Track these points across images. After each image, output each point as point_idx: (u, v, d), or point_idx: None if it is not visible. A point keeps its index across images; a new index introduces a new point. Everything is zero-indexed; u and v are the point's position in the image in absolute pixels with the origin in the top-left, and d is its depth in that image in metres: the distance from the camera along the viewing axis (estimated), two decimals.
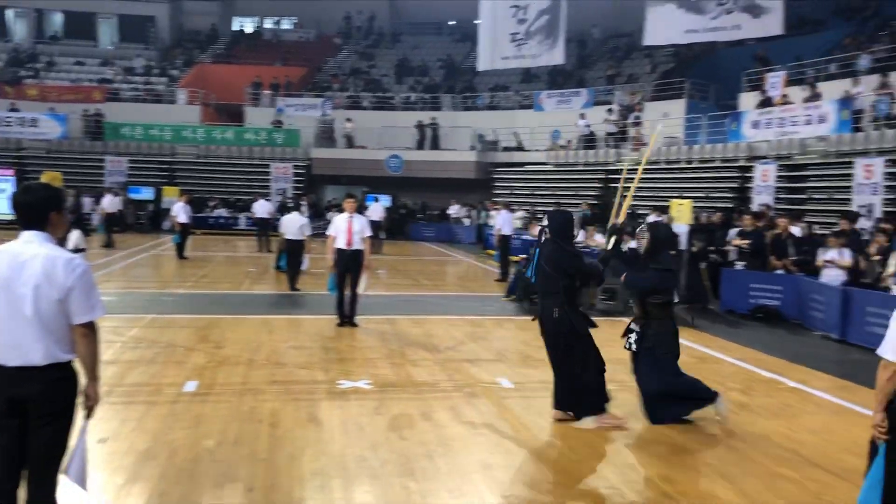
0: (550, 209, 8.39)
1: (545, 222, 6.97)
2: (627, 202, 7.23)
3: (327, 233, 11.10)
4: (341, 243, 10.75)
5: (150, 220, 29.64)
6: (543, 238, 6.91)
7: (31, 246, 3.65)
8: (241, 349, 9.17)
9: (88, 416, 3.82)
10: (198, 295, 13.82)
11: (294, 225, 14.40)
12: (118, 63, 39.52)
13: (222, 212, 30.32)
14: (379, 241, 21.62)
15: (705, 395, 6.85)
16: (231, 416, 6.51)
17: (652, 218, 15.12)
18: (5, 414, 3.58)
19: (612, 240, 6.96)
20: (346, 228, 10.74)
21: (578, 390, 6.64)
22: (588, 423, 6.58)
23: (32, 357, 3.58)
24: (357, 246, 10.79)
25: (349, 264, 10.79)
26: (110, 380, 7.54)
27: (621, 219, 7.12)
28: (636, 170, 8.06)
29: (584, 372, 6.63)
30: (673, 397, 6.77)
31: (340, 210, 11.80)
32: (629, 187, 7.72)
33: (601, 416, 6.64)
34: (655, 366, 6.77)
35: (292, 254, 14.47)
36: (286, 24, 45.45)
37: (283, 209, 23.10)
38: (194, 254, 20.51)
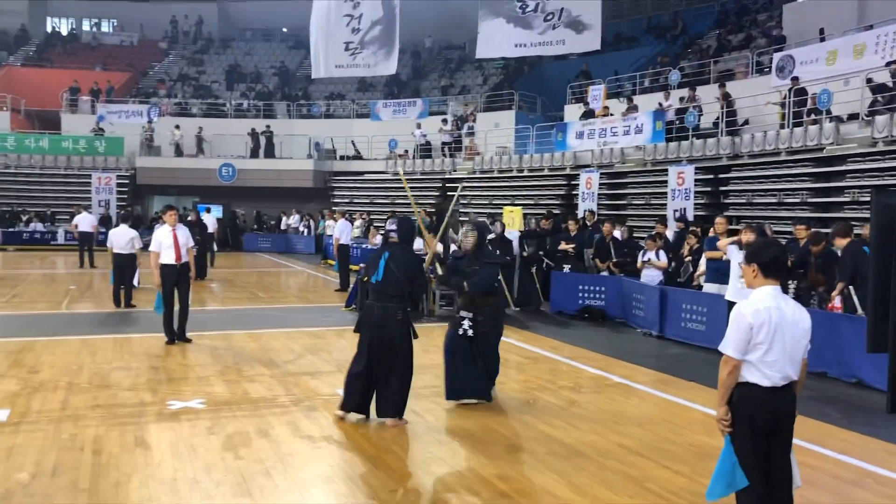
0: (397, 215, 8.66)
1: (392, 227, 7.06)
2: (444, 227, 7.94)
3: (150, 248, 10.44)
4: (169, 258, 10.25)
5: None
6: (390, 243, 7.04)
7: None
8: (59, 373, 8.53)
9: None
10: (9, 316, 12.74)
11: (123, 238, 13.62)
12: None
13: (38, 226, 28.13)
14: (212, 253, 20.87)
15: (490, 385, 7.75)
16: (48, 446, 6.03)
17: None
18: None
19: (438, 266, 7.63)
20: (173, 242, 10.24)
21: (403, 393, 6.84)
22: (393, 422, 6.81)
23: None
24: (185, 259, 10.38)
25: (178, 279, 10.34)
26: None
27: (440, 247, 7.73)
28: (451, 197, 8.67)
29: (410, 374, 6.88)
30: (488, 374, 7.63)
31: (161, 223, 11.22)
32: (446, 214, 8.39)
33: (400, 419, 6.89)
34: (488, 345, 7.56)
35: (122, 269, 13.66)
36: (106, 27, 42.96)
37: (107, 221, 21.83)
38: (5, 272, 18.91)
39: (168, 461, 5.77)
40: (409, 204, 26.92)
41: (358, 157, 31.50)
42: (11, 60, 37.26)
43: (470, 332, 7.46)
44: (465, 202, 25.81)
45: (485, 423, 6.98)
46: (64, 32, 42.12)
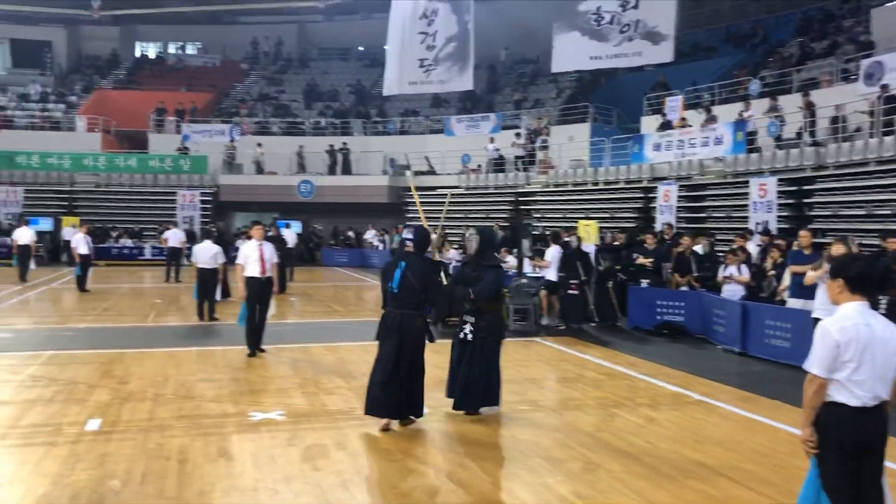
0: (416, 225, 8.81)
1: (408, 237, 7.31)
2: (439, 236, 7.91)
3: (237, 262, 10.86)
4: (254, 271, 10.56)
5: (48, 252, 28.36)
6: (406, 252, 7.45)
7: None
8: (146, 384, 8.85)
9: None
10: (100, 329, 13.29)
11: (207, 253, 14.05)
12: (11, 89, 37.88)
13: (126, 242, 29.32)
14: (291, 267, 21.33)
15: (497, 398, 7.69)
16: (137, 454, 6.27)
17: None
18: None
19: (443, 276, 7.86)
20: (258, 256, 10.56)
21: (422, 394, 7.16)
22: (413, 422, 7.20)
23: None
24: (269, 273, 10.68)
25: (261, 293, 10.63)
26: (5, 421, 7.17)
27: (444, 251, 7.85)
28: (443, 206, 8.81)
29: (422, 377, 7.20)
30: (486, 387, 7.55)
31: (248, 237, 11.62)
32: (441, 224, 8.45)
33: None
34: (483, 353, 7.54)
35: (205, 283, 14.10)
36: (190, 50, 44.64)
37: (191, 237, 22.60)
38: (97, 286, 19.73)
39: (249, 471, 5.92)
40: (483, 217, 27.09)
41: (431, 171, 31.78)
42: (103, 84, 39.08)
43: (469, 337, 7.59)
44: (538, 216, 25.74)
45: (561, 439, 6.92)
46: (151, 56, 43.97)
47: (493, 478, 5.95)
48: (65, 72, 40.94)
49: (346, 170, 32.11)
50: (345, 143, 32.40)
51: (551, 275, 13.94)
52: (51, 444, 6.53)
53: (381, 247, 30.24)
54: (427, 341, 7.16)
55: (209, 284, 14.10)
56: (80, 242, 18.77)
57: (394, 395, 6.98)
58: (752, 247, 14.35)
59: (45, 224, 28.75)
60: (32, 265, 21.64)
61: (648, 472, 6.05)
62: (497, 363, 7.70)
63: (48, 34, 41.20)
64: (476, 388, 7.54)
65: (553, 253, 14.07)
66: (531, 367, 10.34)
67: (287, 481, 5.71)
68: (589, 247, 15.41)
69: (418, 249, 7.31)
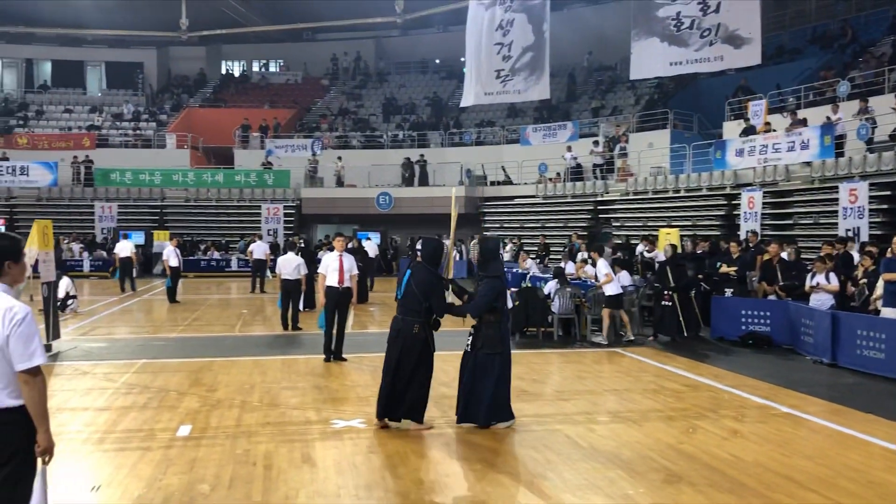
0: (425, 236, 8.96)
1: (419, 247, 7.48)
2: (451, 253, 8.19)
3: (318, 271, 11.29)
4: (333, 281, 10.95)
5: (140, 264, 29.57)
6: (415, 261, 7.72)
7: None
8: (234, 391, 9.15)
9: (44, 461, 3.85)
10: (190, 338, 13.78)
11: (290, 265, 14.46)
12: (107, 109, 39.79)
13: (214, 254, 30.33)
14: (371, 278, 21.63)
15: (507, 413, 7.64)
16: (225, 460, 6.49)
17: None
18: None
19: (452, 293, 7.95)
20: (338, 267, 10.95)
21: (423, 399, 7.43)
22: (416, 426, 7.44)
23: None
24: (347, 283, 11.04)
25: (339, 301, 11.00)
26: (103, 426, 7.53)
27: (450, 273, 7.96)
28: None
29: (427, 381, 7.47)
30: (492, 401, 7.48)
31: (331, 249, 11.96)
32: (453, 231, 8.44)
33: (421, 424, 7.49)
34: (483, 366, 7.52)
35: (290, 294, 14.50)
36: (273, 67, 45.95)
37: (275, 249, 23.26)
38: (186, 297, 20.48)
39: (332, 478, 6.06)
40: (560, 226, 26.96)
41: (508, 181, 31.78)
42: (191, 102, 40.60)
43: (468, 348, 7.71)
44: (617, 224, 25.41)
45: (641, 450, 6.82)
46: (236, 74, 45.45)
47: (573, 488, 5.92)
48: (155, 91, 42.74)
49: (424, 181, 32.40)
50: (422, 155, 32.72)
51: (612, 289, 13.25)
52: (145, 448, 6.83)
53: (457, 257, 30.37)
54: (431, 349, 7.46)
55: (293, 295, 14.48)
56: (170, 255, 19.57)
57: (387, 395, 7.41)
58: (855, 253, 13.74)
59: (137, 238, 30.05)
60: (134, 274, 23.00)
61: (732, 485, 5.91)
62: (503, 377, 7.55)
63: (140, 56, 43.13)
64: (479, 401, 7.51)
65: (602, 267, 13.46)
66: (611, 378, 10.22)
67: (368, 488, 5.82)
68: (661, 255, 15.13)
69: (426, 260, 7.56)
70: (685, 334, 13.37)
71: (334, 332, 11.07)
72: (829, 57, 26.90)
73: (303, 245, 16.56)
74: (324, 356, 11.12)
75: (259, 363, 11.09)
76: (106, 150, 34.30)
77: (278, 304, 14.75)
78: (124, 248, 22.48)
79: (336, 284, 10.94)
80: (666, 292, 13.34)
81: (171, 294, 19.52)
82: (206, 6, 36.05)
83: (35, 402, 3.75)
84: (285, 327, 14.44)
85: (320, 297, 11.16)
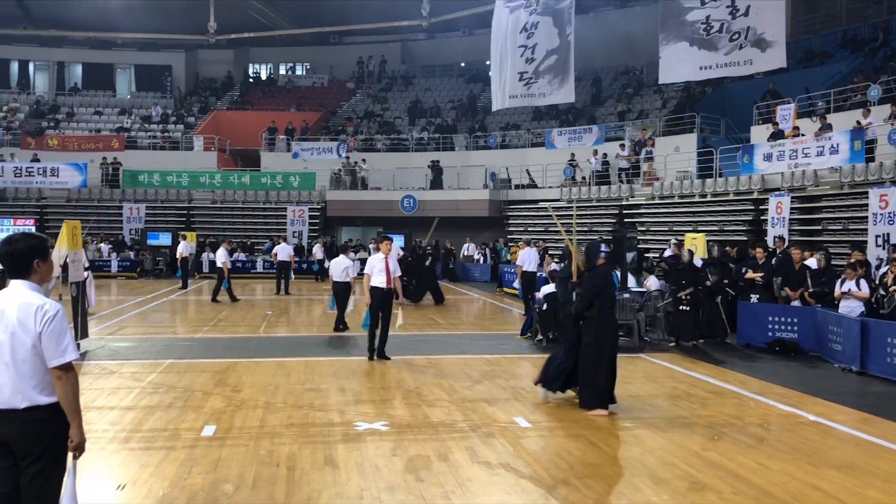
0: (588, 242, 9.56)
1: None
2: (575, 255, 9.12)
3: (364, 271, 11.68)
4: (379, 282, 11.29)
5: (167, 265, 29.90)
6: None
7: (12, 294, 3.84)
8: (258, 392, 9.21)
9: (75, 456, 3.90)
10: (215, 339, 13.90)
11: (340, 267, 14.58)
12: (136, 112, 40.28)
13: (240, 255, 30.55)
14: (402, 280, 21.69)
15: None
16: (249, 460, 6.53)
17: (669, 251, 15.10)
18: None
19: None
20: (384, 268, 11.33)
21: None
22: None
23: (12, 400, 3.75)
24: (392, 285, 11.42)
25: (383, 302, 11.35)
26: (128, 425, 7.61)
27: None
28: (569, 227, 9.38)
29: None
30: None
31: (377, 249, 12.56)
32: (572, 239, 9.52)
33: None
34: (584, 354, 8.55)
35: (339, 296, 14.60)
36: (299, 70, 46.26)
37: (330, 252, 23.64)
38: (209, 297, 20.64)
39: (355, 480, 6.07)
40: (585, 230, 26.81)
41: (532, 185, 31.70)
42: (218, 105, 40.98)
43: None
44: (643, 229, 25.24)
45: (666, 458, 6.76)
46: (263, 77, 45.80)
47: (597, 495, 5.88)
48: (183, 94, 43.19)
49: (438, 184, 32.54)
50: (435, 161, 32.86)
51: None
52: (169, 448, 6.89)
53: (481, 260, 30.34)
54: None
55: (341, 297, 14.58)
56: (222, 256, 20.34)
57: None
58: (871, 260, 13.57)
59: (164, 239, 30.37)
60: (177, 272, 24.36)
61: (758, 493, 5.84)
62: (596, 363, 8.43)
63: (168, 59, 43.62)
64: (587, 385, 8.56)
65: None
66: (636, 383, 10.15)
67: (391, 491, 5.82)
68: (696, 260, 14.97)
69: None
70: (698, 340, 13.30)
71: (377, 331, 11.43)
72: (860, 61, 26.52)
73: (353, 248, 16.79)
74: (367, 354, 11.50)
75: (282, 364, 11.15)
76: (134, 151, 34.76)
77: (330, 307, 14.94)
78: (184, 249, 23.79)
79: (382, 285, 11.30)
80: (684, 297, 13.24)
81: (230, 294, 20.31)
82: (234, 10, 36.40)
83: (68, 398, 3.80)
84: (336, 329, 14.65)
85: (366, 298, 11.45)
